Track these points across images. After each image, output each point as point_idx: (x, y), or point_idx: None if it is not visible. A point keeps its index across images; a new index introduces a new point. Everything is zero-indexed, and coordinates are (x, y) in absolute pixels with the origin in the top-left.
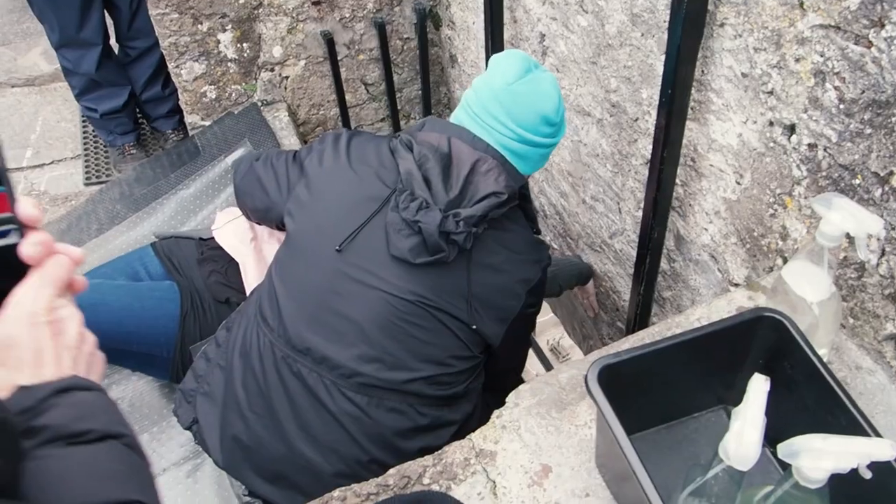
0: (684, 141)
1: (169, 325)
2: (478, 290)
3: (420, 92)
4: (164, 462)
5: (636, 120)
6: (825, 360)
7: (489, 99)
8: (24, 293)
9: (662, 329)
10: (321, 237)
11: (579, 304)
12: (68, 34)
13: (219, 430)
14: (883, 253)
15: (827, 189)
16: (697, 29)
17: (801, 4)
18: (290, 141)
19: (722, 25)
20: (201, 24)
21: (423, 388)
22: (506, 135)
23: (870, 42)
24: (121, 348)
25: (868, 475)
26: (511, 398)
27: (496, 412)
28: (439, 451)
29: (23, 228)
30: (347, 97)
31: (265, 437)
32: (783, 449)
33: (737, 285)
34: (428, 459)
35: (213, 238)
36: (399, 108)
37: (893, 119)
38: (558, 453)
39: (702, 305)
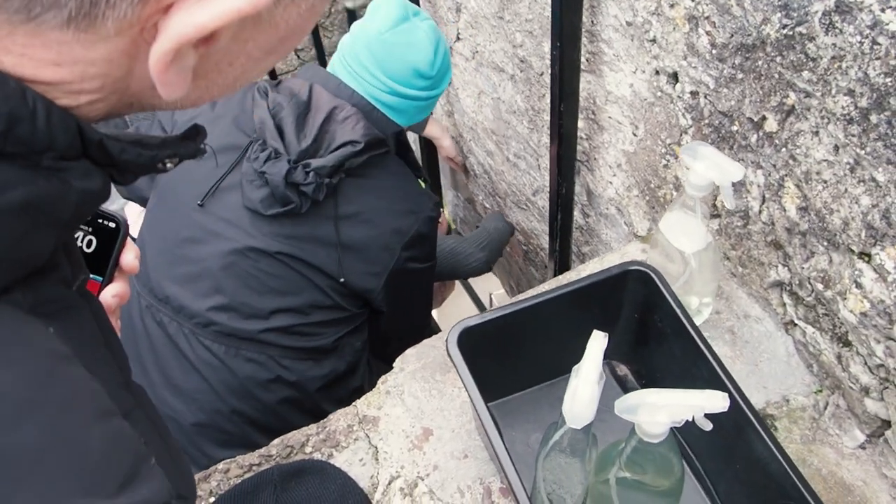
0: (584, 94)
1: None
2: (346, 240)
3: None
4: None
5: (542, 74)
6: (710, 309)
7: (362, 47)
8: None
9: (550, 286)
10: (182, 186)
11: (514, 263)
12: None
13: None
14: (763, 200)
15: (710, 137)
16: None
17: None
18: None
19: None
20: None
21: (279, 339)
22: (375, 85)
23: None
24: None
25: (708, 426)
26: (397, 363)
27: (382, 378)
28: (323, 420)
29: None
30: (279, 64)
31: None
32: (619, 405)
33: (642, 238)
34: (312, 428)
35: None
36: None
37: (759, 63)
38: (440, 416)
39: (594, 260)
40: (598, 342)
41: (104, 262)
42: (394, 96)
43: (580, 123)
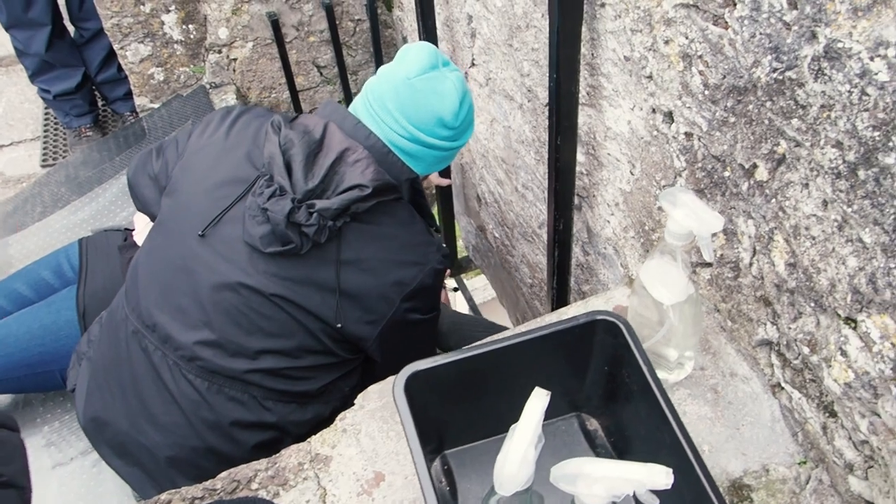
0: (585, 128)
1: (72, 331)
2: (345, 286)
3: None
4: (71, 451)
5: (546, 105)
6: (692, 363)
7: (388, 90)
8: None
9: (530, 325)
10: (184, 213)
11: (521, 296)
12: (15, 14)
13: (84, 397)
14: (754, 252)
15: (703, 181)
16: (575, 9)
17: None
18: None
19: (603, 6)
20: (143, 4)
21: (265, 380)
22: (396, 131)
23: (726, 23)
24: (44, 370)
25: (654, 503)
26: (358, 399)
27: (341, 414)
28: (275, 455)
29: None
30: (300, 80)
31: (114, 410)
32: (556, 473)
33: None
34: (262, 463)
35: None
36: (354, 90)
37: (751, 107)
38: (394, 461)
39: (578, 303)
40: (538, 401)
41: None
42: (414, 143)
43: (581, 158)
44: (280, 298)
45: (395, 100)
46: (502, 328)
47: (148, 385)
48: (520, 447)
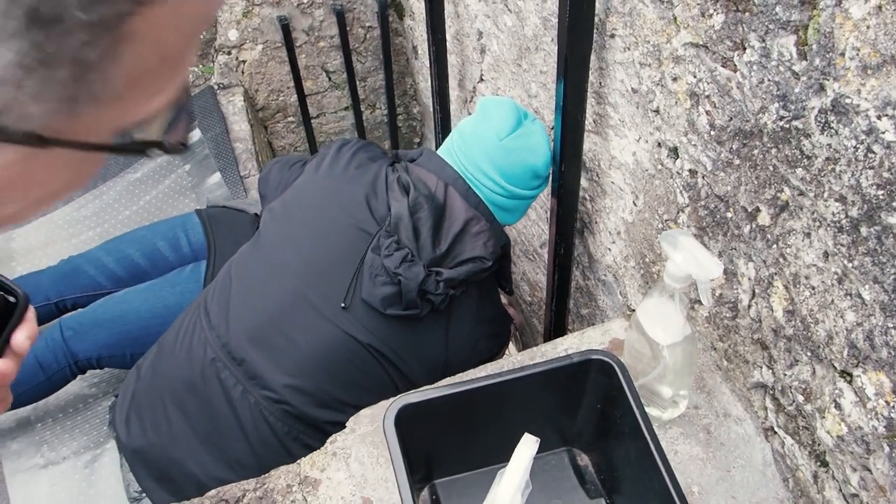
0: (590, 155)
1: None
2: (445, 358)
3: (384, 82)
4: (64, 450)
5: (552, 128)
6: (686, 402)
7: (480, 154)
8: None
9: (525, 357)
10: (292, 249)
11: (520, 313)
12: None
13: (126, 407)
14: (753, 294)
15: (705, 220)
16: (584, 37)
17: (675, 20)
18: (240, 127)
19: (612, 36)
20: None
21: (335, 430)
22: (496, 191)
23: (735, 66)
24: None
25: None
26: (350, 423)
27: (332, 437)
28: (264, 476)
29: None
30: (309, 84)
31: (167, 432)
32: None
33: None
34: (251, 483)
35: None
36: (363, 97)
37: (756, 152)
38: (383, 487)
39: (574, 335)
40: (526, 447)
41: None
42: (510, 199)
43: (585, 183)
44: (385, 359)
45: (489, 163)
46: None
47: (220, 417)
48: (506, 494)
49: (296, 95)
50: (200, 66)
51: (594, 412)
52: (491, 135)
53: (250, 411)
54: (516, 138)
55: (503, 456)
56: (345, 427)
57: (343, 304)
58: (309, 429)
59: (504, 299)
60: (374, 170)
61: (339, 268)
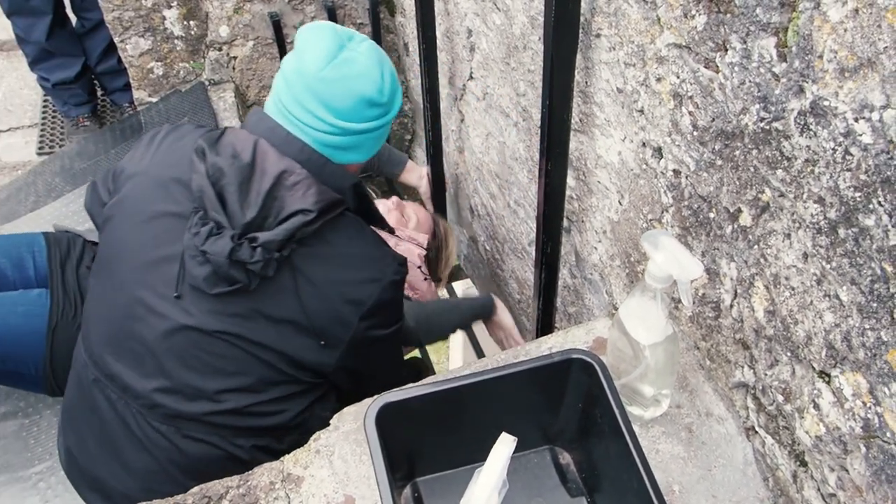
0: (576, 154)
1: (35, 342)
2: (300, 315)
3: None
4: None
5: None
6: (668, 401)
7: (302, 90)
8: None
9: (509, 355)
10: (123, 253)
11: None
12: (17, 1)
13: (63, 424)
14: (735, 294)
15: (689, 219)
16: (570, 37)
17: (659, 21)
18: (232, 122)
19: (598, 36)
20: None
21: (233, 420)
22: (324, 130)
23: (717, 67)
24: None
25: None
26: (334, 420)
27: (315, 434)
28: (247, 472)
29: None
30: None
31: (86, 451)
32: None
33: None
34: (234, 480)
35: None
36: None
37: (737, 153)
38: (365, 485)
39: (559, 333)
40: (504, 446)
41: None
42: (346, 136)
43: (571, 182)
44: (231, 335)
45: (313, 99)
46: (475, 301)
47: (117, 433)
48: (483, 493)
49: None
50: (191, 62)
51: (575, 411)
52: (310, 68)
53: (136, 420)
54: (338, 67)
55: (486, 454)
56: (232, 414)
57: (176, 295)
58: (193, 424)
59: (429, 221)
60: (182, 149)
61: (166, 260)
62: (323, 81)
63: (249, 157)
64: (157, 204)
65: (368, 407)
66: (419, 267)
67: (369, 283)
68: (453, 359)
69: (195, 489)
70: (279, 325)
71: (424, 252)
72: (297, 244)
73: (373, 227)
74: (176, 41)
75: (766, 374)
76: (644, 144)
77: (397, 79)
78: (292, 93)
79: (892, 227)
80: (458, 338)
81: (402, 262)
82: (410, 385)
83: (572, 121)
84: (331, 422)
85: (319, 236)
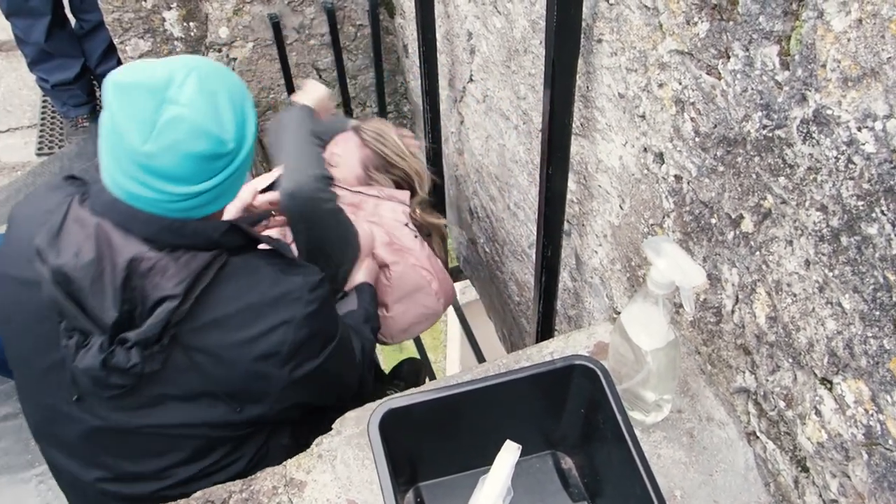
0: (577, 158)
1: None
2: (212, 388)
3: (375, 80)
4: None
5: (541, 130)
6: (670, 406)
7: (129, 164)
8: None
9: (510, 361)
10: (18, 360)
11: (509, 312)
12: (16, 2)
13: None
14: (736, 300)
15: (690, 225)
16: (572, 42)
17: (661, 27)
18: None
19: (600, 41)
20: (145, 0)
21: (184, 489)
22: (169, 200)
23: (719, 74)
24: None
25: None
26: (336, 425)
27: (318, 439)
28: (250, 477)
29: None
30: (299, 82)
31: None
32: None
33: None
34: (236, 484)
35: None
36: (353, 95)
37: (739, 159)
38: (368, 490)
39: (560, 337)
40: (508, 455)
41: None
42: (196, 197)
43: (573, 186)
44: (145, 427)
45: (146, 173)
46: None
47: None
48: (488, 500)
49: (286, 93)
50: None
51: (578, 416)
52: (131, 143)
53: (98, 500)
54: (161, 134)
55: (488, 459)
56: (181, 485)
57: (76, 398)
58: (147, 500)
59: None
60: (23, 239)
61: (54, 368)
62: (149, 156)
63: (93, 251)
64: (31, 304)
65: (372, 413)
66: (406, 224)
67: (279, 328)
68: (450, 358)
69: (198, 493)
70: (192, 402)
71: (409, 208)
72: (176, 327)
73: (276, 250)
74: (176, 42)
75: (767, 380)
76: (645, 149)
77: (244, 107)
78: (122, 168)
79: (895, 236)
80: (455, 337)
81: (314, 285)
82: (413, 391)
83: (573, 125)
84: (333, 427)
85: (202, 305)
